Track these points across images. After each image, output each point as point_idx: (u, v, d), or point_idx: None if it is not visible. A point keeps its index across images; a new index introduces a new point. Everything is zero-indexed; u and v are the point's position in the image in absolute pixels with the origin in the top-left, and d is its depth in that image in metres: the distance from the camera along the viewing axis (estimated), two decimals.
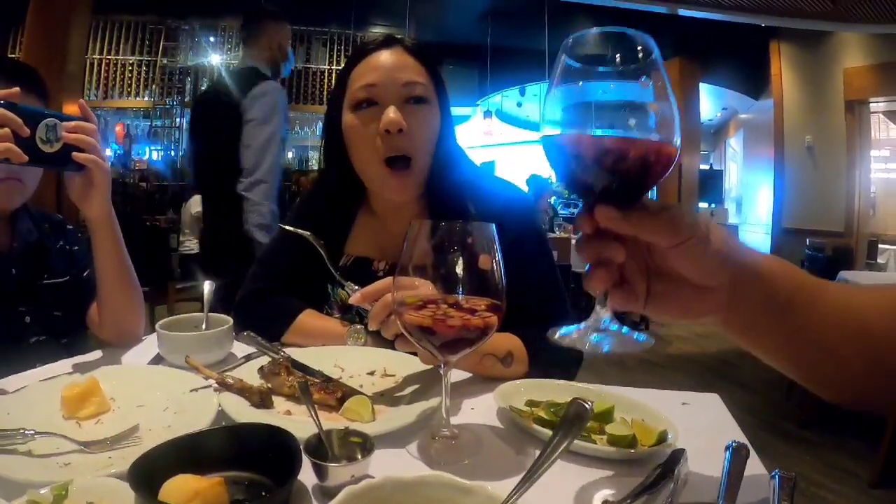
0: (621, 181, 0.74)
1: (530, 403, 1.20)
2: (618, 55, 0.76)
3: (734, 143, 13.92)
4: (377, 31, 11.90)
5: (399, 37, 1.54)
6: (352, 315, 1.63)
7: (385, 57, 1.48)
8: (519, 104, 14.21)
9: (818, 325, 0.80)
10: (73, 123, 1.34)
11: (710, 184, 11.87)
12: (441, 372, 1.05)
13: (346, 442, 0.94)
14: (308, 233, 1.41)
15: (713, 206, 11.68)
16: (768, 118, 10.38)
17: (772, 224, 10.37)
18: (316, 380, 1.25)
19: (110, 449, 1.01)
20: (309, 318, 1.60)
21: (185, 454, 0.88)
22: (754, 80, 11.18)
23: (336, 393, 1.19)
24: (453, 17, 10.61)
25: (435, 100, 1.51)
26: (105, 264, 1.52)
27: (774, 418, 4.32)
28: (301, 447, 0.87)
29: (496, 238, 1.00)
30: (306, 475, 0.87)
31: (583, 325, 0.80)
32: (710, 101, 12.62)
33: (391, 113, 1.43)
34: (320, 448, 0.91)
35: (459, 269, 0.98)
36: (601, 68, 0.77)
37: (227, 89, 3.46)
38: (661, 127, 0.75)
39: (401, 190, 1.53)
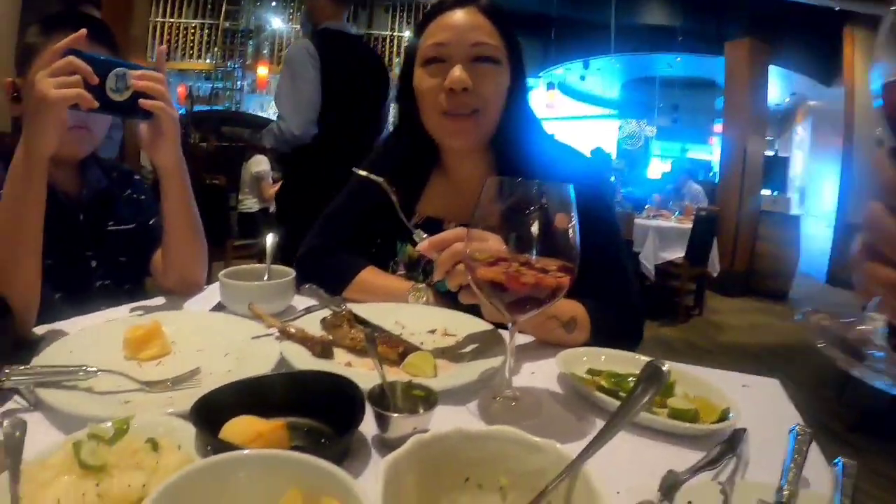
0: None
1: (591, 372, 1.17)
2: None
3: (801, 131, 13.50)
4: None
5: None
6: (417, 272, 1.63)
7: (458, 16, 1.46)
8: (582, 77, 14.00)
9: None
10: (141, 72, 1.35)
11: (775, 171, 11.54)
12: (507, 332, 1.03)
13: (408, 395, 0.92)
14: (381, 179, 1.38)
15: (776, 193, 11.37)
16: (838, 107, 9.95)
17: (836, 217, 10.03)
18: (378, 334, 1.23)
19: (171, 389, 1.01)
20: (370, 275, 1.59)
21: (247, 397, 0.88)
22: (826, 66, 10.77)
23: (398, 347, 1.17)
24: None
25: (506, 61, 1.48)
26: (173, 212, 1.53)
27: (823, 417, 4.19)
28: (364, 397, 0.86)
29: (573, 199, 0.96)
30: (366, 425, 0.86)
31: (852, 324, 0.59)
32: (779, 86, 12.22)
33: (457, 71, 1.42)
34: (383, 399, 0.89)
35: (534, 229, 0.95)
36: None
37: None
38: None
39: (460, 134, 1.51)
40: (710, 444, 0.90)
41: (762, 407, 1.12)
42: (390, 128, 3.67)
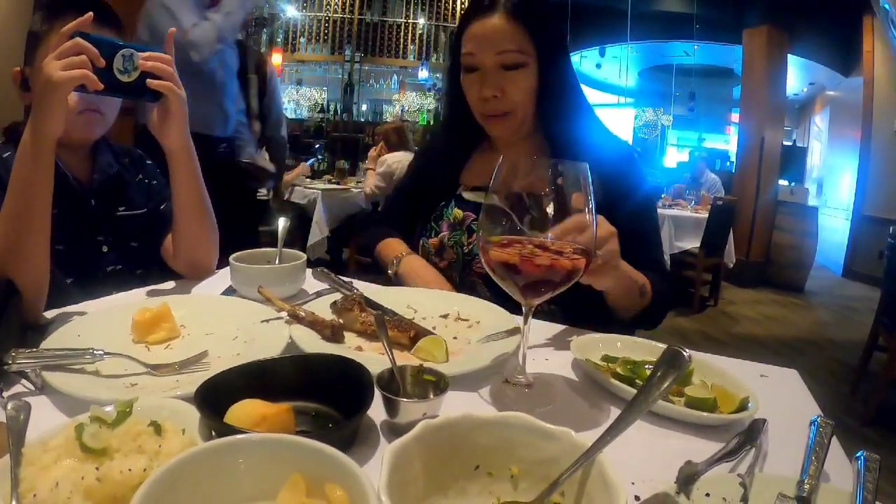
0: None
1: (606, 359, 1.15)
2: None
3: (819, 121, 13.36)
4: None
5: (504, 0, 1.54)
6: (461, 231, 1.70)
7: (485, 26, 1.54)
8: (598, 65, 13.90)
9: None
10: (148, 53, 1.34)
11: (792, 161, 11.39)
12: (521, 317, 1.01)
13: (419, 380, 0.90)
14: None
15: (793, 184, 11.26)
16: (857, 97, 9.76)
17: (853, 209, 9.90)
18: (389, 318, 1.22)
19: (178, 373, 1.00)
20: (386, 241, 1.78)
21: (253, 380, 0.86)
22: (845, 55, 10.60)
23: (409, 331, 1.16)
24: None
25: (533, 61, 1.56)
26: (181, 195, 1.52)
27: (837, 411, 4.10)
28: (373, 381, 0.84)
29: (589, 177, 0.93)
30: (375, 410, 0.84)
31: None
32: (797, 75, 12.07)
33: (485, 87, 1.56)
34: (392, 383, 0.88)
35: (549, 209, 0.92)
36: None
37: None
38: None
39: (499, 131, 1.67)
40: (728, 434, 0.88)
41: (781, 397, 1.09)
42: None
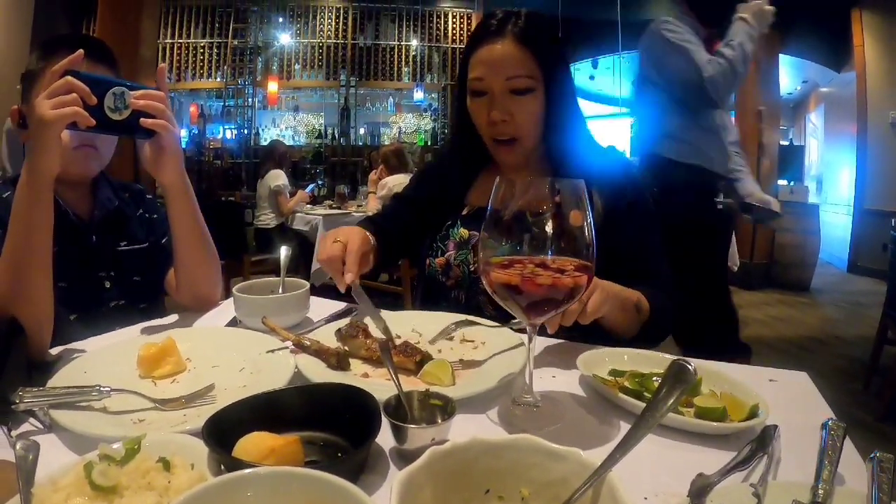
0: None
1: (614, 373, 1.15)
2: None
3: (814, 119, 13.33)
4: (446, 5, 11.83)
5: (511, 24, 1.56)
6: (466, 250, 1.69)
7: (493, 50, 1.55)
8: (591, 77, 13.92)
9: None
10: (141, 91, 1.35)
11: (790, 160, 11.35)
12: (526, 336, 1.00)
13: (426, 405, 0.90)
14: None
15: (793, 183, 11.24)
16: (850, 92, 9.74)
17: (853, 204, 9.88)
18: (394, 343, 1.22)
19: (185, 407, 1.00)
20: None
21: (261, 412, 0.86)
22: (836, 51, 10.59)
23: (415, 356, 1.16)
24: None
25: (540, 86, 1.57)
26: (181, 229, 1.53)
27: (851, 408, 4.07)
28: (380, 408, 0.84)
29: (586, 194, 0.94)
30: (384, 437, 0.83)
31: None
32: (790, 74, 12.07)
33: (494, 111, 1.57)
34: (400, 410, 0.87)
35: (548, 228, 0.92)
36: None
37: None
38: None
39: (508, 158, 1.66)
40: (739, 442, 0.87)
41: (792, 402, 1.09)
42: None
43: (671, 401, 0.67)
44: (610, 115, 16.58)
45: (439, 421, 0.87)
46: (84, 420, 0.93)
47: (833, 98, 11.84)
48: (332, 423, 0.87)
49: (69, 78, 1.22)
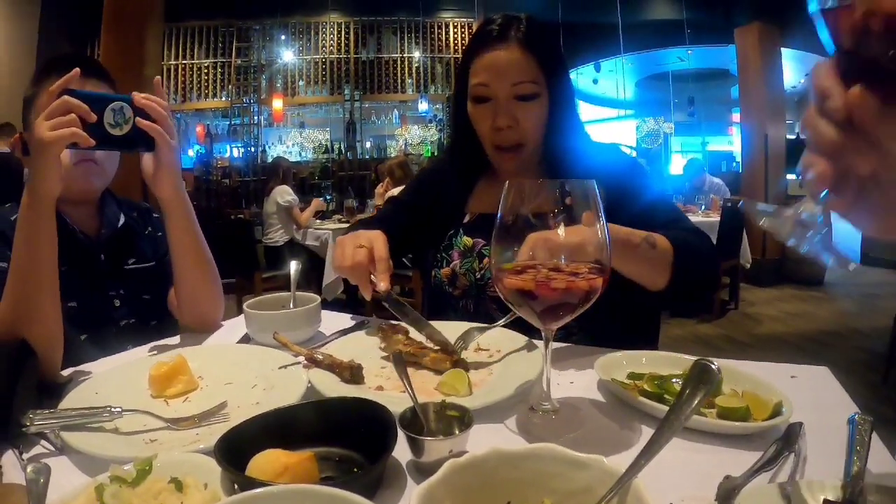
0: None
1: (632, 376, 1.12)
2: None
3: None
4: (446, 16, 11.87)
5: (514, 30, 1.54)
6: (472, 258, 1.67)
7: (498, 56, 1.53)
8: (595, 81, 13.92)
9: None
10: (143, 95, 1.35)
11: (797, 154, 11.26)
12: (541, 342, 0.99)
13: (442, 416, 0.88)
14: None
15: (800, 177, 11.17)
16: None
17: None
18: (433, 346, 1.25)
19: (197, 426, 0.99)
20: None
21: (274, 429, 0.85)
22: None
23: (452, 356, 1.18)
24: None
25: (544, 92, 1.56)
26: (179, 246, 1.52)
27: (870, 402, 4.00)
28: (396, 421, 0.82)
29: (598, 194, 0.92)
30: (400, 451, 0.81)
31: (788, 209, 0.64)
32: (793, 68, 12.03)
33: (500, 118, 1.54)
34: (416, 422, 0.86)
35: (560, 231, 0.91)
36: None
37: None
38: None
39: (510, 164, 1.63)
40: (764, 442, 0.85)
41: (815, 397, 1.06)
42: None
43: (695, 402, 0.65)
44: (615, 117, 16.58)
45: (456, 432, 0.85)
46: (96, 441, 0.92)
47: None
48: (347, 438, 0.86)
49: (66, 97, 1.22)
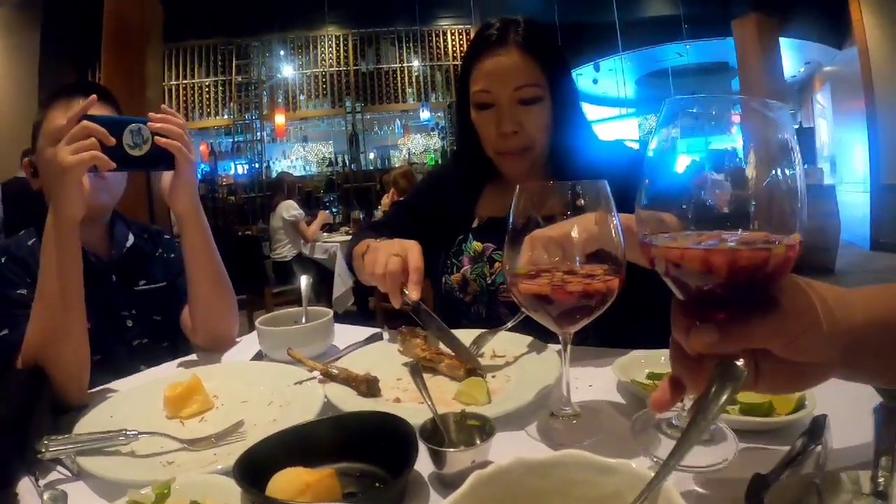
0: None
1: (652, 376, 1.11)
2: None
3: (821, 99, 13.25)
4: (444, 23, 11.90)
5: (513, 33, 1.53)
6: (482, 262, 1.66)
7: (499, 62, 1.52)
8: (595, 81, 13.94)
9: None
10: (159, 116, 1.38)
11: (802, 143, 11.04)
12: (559, 345, 0.97)
13: (463, 426, 0.87)
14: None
15: (806, 166, 11.12)
16: (854, 69, 9.55)
17: (870, 181, 9.71)
18: (449, 352, 1.24)
19: (215, 446, 0.98)
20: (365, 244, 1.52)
21: (293, 447, 0.84)
22: (835, 29, 10.53)
23: (467, 364, 1.16)
24: (517, 1, 10.46)
25: (547, 94, 1.55)
26: (194, 261, 1.52)
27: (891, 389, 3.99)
28: (416, 434, 0.81)
29: (610, 195, 0.91)
30: (422, 464, 0.80)
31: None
32: (792, 57, 12.02)
33: (504, 123, 1.53)
34: (436, 433, 0.84)
35: (574, 233, 0.90)
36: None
37: None
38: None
39: (515, 168, 1.63)
40: (789, 437, 0.83)
41: (836, 388, 1.04)
42: None
43: (721, 400, 0.63)
44: (616, 116, 16.57)
45: (478, 442, 0.83)
46: (112, 465, 0.91)
47: (838, 76, 11.78)
48: (368, 453, 0.85)
49: (86, 122, 1.24)
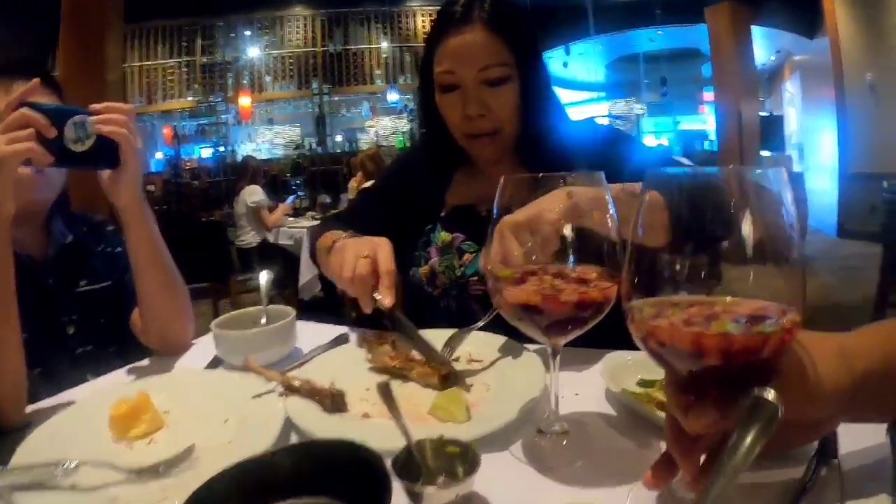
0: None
1: (643, 383, 1.03)
2: None
3: (791, 87, 13.36)
4: (413, 4, 11.79)
5: (478, 10, 1.44)
6: (451, 253, 1.58)
7: (463, 41, 1.44)
8: (565, 64, 13.90)
9: None
10: (105, 104, 1.23)
11: (771, 131, 11.38)
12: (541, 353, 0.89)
13: (441, 452, 0.77)
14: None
15: (775, 154, 11.23)
16: (825, 58, 9.69)
17: (838, 169, 9.84)
18: (420, 358, 1.16)
19: (164, 476, 0.87)
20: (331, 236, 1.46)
21: (251, 482, 0.73)
22: (807, 18, 10.62)
23: (441, 370, 1.08)
24: None
25: (515, 74, 1.48)
26: (141, 262, 1.38)
27: None
28: (388, 471, 0.70)
29: (605, 184, 0.82)
30: (399, 498, 0.70)
31: None
32: (763, 45, 12.10)
33: (470, 106, 1.46)
34: (411, 464, 0.74)
35: (566, 230, 0.81)
36: None
37: None
38: None
39: (484, 152, 1.56)
40: (798, 459, 0.76)
41: None
42: None
43: (750, 444, 0.54)
44: (586, 100, 16.58)
45: (459, 471, 0.74)
46: (52, 502, 0.82)
47: (808, 65, 11.89)
48: (336, 485, 0.74)
49: (23, 110, 1.11)
